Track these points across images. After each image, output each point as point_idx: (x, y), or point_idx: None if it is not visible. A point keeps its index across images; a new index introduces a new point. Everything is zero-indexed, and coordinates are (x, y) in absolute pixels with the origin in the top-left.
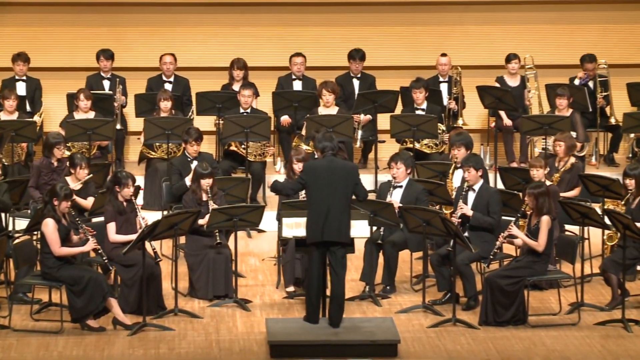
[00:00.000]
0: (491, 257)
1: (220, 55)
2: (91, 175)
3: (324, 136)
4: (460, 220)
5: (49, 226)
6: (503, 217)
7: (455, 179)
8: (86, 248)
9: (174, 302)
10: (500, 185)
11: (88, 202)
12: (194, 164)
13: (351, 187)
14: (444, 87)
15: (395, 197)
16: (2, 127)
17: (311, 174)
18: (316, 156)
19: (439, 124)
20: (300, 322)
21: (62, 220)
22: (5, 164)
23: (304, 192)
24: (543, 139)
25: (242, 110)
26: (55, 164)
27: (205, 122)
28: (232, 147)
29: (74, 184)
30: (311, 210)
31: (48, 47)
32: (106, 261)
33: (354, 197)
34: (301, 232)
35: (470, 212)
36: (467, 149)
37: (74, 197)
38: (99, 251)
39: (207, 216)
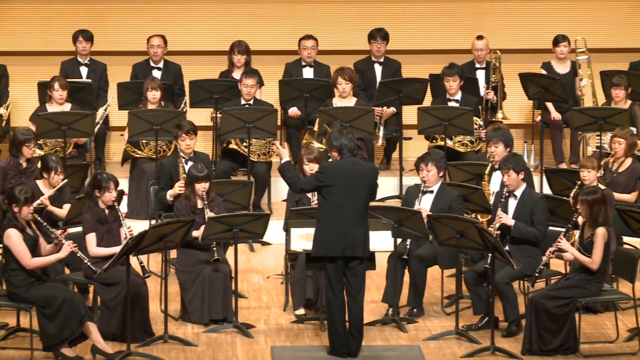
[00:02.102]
0: (536, 274)
1: (218, 38)
2: (66, 180)
3: (340, 132)
4: (499, 231)
5: (13, 237)
6: (550, 228)
7: (493, 181)
8: (62, 253)
9: (163, 327)
10: (547, 190)
11: (64, 210)
12: (189, 165)
13: (372, 192)
14: (480, 75)
15: (424, 204)
16: None
17: (331, 176)
18: (330, 156)
19: (475, 118)
20: (311, 351)
21: (26, 229)
22: None
23: (316, 198)
24: (597, 135)
25: (243, 102)
26: (24, 164)
27: (200, 116)
28: (232, 145)
29: (46, 190)
30: (326, 219)
31: (15, 28)
32: (89, 264)
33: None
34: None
35: (511, 222)
36: (506, 147)
37: (49, 206)
38: (78, 254)
39: (203, 227)
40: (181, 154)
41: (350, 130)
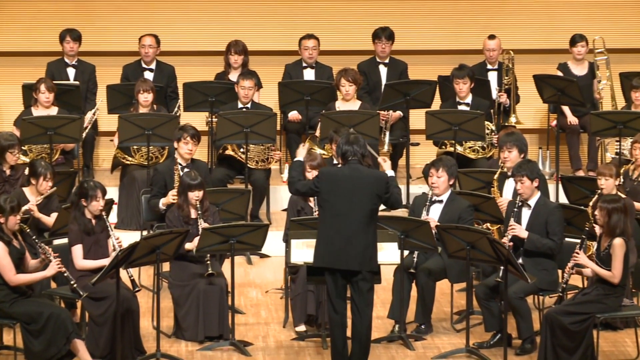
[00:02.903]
0: (560, 294)
1: (214, 37)
2: (55, 188)
3: (347, 139)
4: (512, 243)
5: None
6: (566, 239)
7: (506, 189)
8: (49, 272)
9: (155, 345)
10: (563, 199)
11: (52, 218)
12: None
13: (378, 201)
14: (492, 77)
15: (433, 214)
16: None
17: (328, 182)
18: (336, 163)
19: (487, 123)
20: None
21: (12, 241)
22: None
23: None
24: (616, 141)
25: (240, 105)
26: (8, 172)
27: (194, 120)
28: (229, 151)
29: (33, 198)
30: (323, 229)
31: None
32: (75, 286)
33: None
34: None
35: (524, 234)
36: (520, 153)
37: (37, 213)
38: (65, 274)
39: (196, 239)
40: (179, 159)
41: (358, 136)
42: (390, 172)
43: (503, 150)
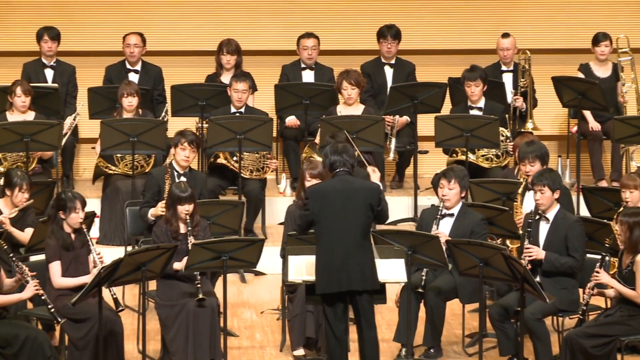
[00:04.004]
0: (581, 315)
1: (204, 36)
2: (31, 200)
3: (335, 149)
4: (530, 265)
5: None
6: (587, 255)
7: (526, 203)
8: (25, 295)
9: None
10: (584, 212)
11: (26, 234)
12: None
13: (372, 214)
14: (507, 79)
15: (443, 228)
16: None
17: (319, 200)
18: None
19: (501, 129)
20: None
21: None
22: None
23: None
24: None
25: (233, 110)
26: None
27: (183, 125)
28: (221, 160)
29: (7, 210)
30: (322, 251)
31: None
32: (52, 311)
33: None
34: (314, 274)
35: (542, 255)
36: (542, 164)
37: (9, 227)
38: (43, 297)
39: (186, 259)
40: (175, 167)
41: (347, 145)
42: (379, 184)
43: (525, 163)
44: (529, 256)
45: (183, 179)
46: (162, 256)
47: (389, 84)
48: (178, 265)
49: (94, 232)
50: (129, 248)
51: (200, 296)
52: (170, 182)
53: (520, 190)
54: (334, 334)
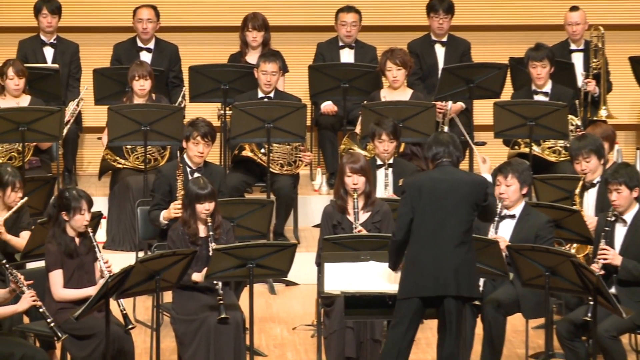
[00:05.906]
0: None
1: (227, 10)
2: (26, 199)
3: (437, 139)
4: (603, 271)
5: None
6: None
7: (586, 203)
8: (21, 307)
9: None
10: None
11: (22, 240)
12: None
13: (476, 212)
14: (577, 59)
15: (503, 232)
16: None
17: (416, 195)
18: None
19: (571, 117)
20: None
21: None
22: None
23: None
24: None
25: (261, 95)
26: None
27: (203, 113)
28: (246, 152)
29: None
30: (412, 249)
31: None
32: (52, 326)
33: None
34: (354, 285)
35: (618, 260)
36: (599, 159)
37: (6, 236)
38: (41, 310)
39: (206, 269)
40: (188, 162)
41: (453, 135)
42: (488, 176)
43: (579, 160)
44: (604, 259)
45: (197, 174)
46: (179, 263)
47: (441, 65)
48: (197, 277)
49: (101, 235)
50: (141, 254)
51: (223, 315)
52: (183, 180)
53: (577, 191)
54: (401, 330)
